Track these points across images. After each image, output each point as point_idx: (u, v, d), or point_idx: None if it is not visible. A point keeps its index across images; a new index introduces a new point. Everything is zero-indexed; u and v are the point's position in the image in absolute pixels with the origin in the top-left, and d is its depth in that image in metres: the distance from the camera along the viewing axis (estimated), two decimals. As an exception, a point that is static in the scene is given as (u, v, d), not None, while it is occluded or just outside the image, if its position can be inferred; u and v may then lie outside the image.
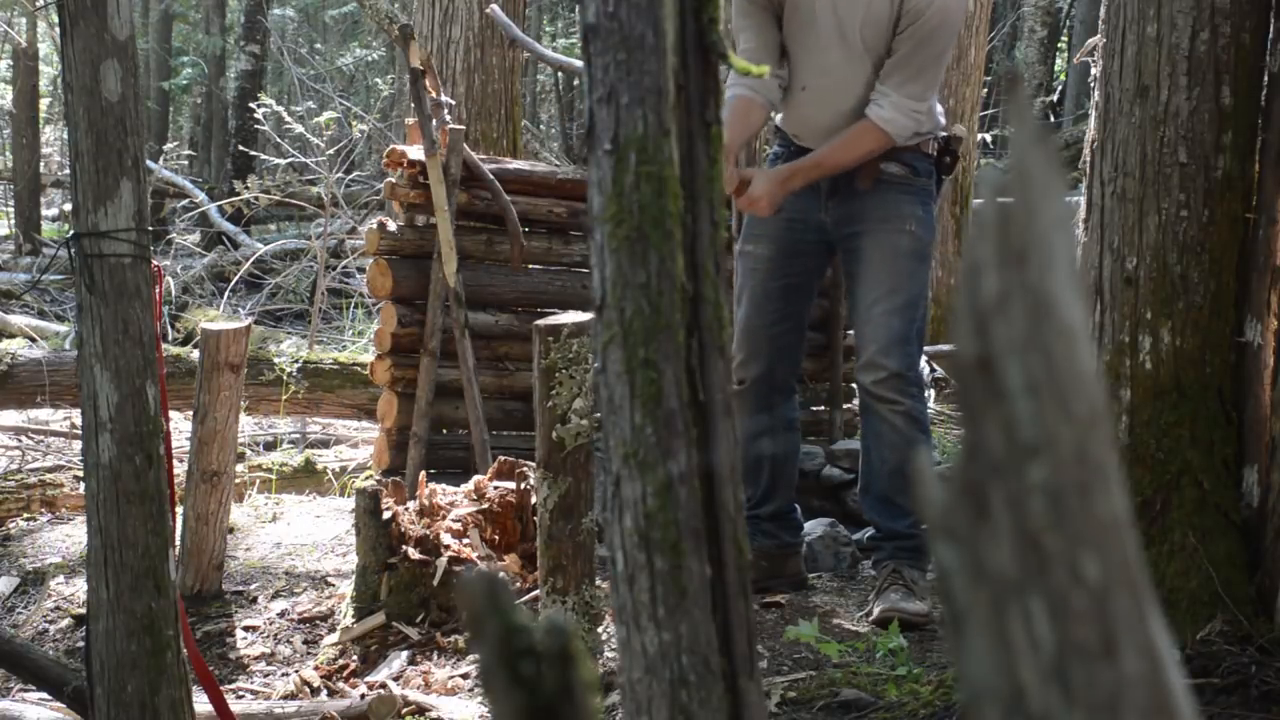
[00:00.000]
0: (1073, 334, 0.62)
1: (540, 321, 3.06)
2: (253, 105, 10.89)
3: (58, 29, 3.30)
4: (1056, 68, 17.30)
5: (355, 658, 3.84)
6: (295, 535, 4.99)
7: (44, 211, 17.71)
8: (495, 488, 4.13)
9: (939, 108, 3.92)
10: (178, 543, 3.66)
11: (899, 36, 3.70)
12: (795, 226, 3.90)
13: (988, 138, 12.73)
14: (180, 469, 4.15)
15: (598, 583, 3.14)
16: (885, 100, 3.73)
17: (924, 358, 7.77)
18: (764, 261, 3.92)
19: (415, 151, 5.01)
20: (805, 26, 3.78)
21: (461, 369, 5.02)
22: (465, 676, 3.58)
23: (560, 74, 17.41)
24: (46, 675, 3.01)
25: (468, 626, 0.71)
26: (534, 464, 3.30)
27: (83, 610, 3.68)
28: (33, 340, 8.57)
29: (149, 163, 5.03)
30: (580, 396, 2.95)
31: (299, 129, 9.61)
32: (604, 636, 3.20)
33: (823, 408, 5.57)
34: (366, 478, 5.30)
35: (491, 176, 5.14)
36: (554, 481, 3.01)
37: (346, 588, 4.14)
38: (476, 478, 4.22)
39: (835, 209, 3.87)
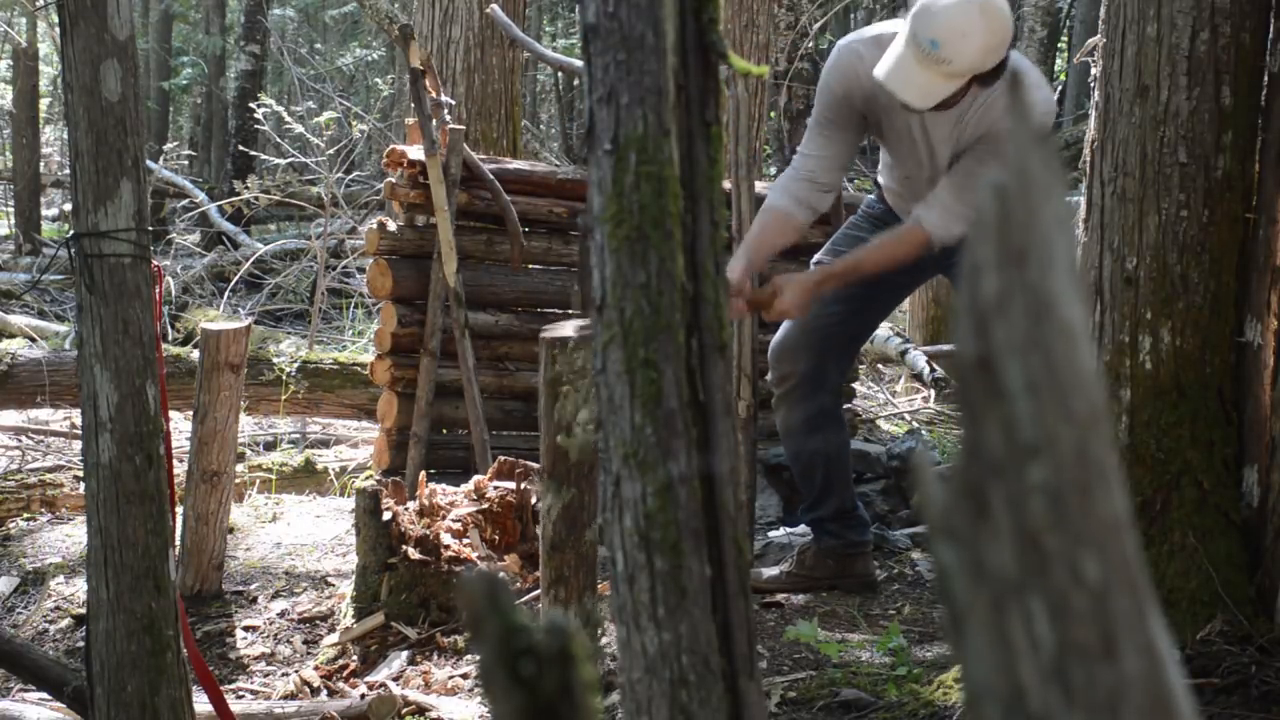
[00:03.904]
0: (1073, 334, 0.62)
1: (547, 333, 3.06)
2: (253, 105, 10.88)
3: (58, 29, 3.30)
4: (1056, 68, 17.29)
5: (355, 658, 3.84)
6: (295, 535, 4.99)
7: (44, 211, 17.69)
8: (495, 488, 4.13)
9: None
10: (178, 543, 3.66)
11: (973, 148, 3.54)
12: None
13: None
14: (180, 469, 4.15)
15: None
16: (937, 203, 3.57)
17: (924, 358, 7.80)
18: None
19: (415, 151, 5.01)
20: (899, 139, 3.70)
21: (461, 369, 5.02)
22: (465, 676, 3.58)
23: (560, 74, 17.40)
24: (46, 675, 3.01)
25: (468, 626, 0.71)
26: (537, 471, 3.29)
27: (83, 610, 3.69)
28: (33, 340, 8.57)
29: (149, 163, 5.03)
30: (586, 407, 2.95)
31: (299, 129, 9.60)
32: (607, 648, 3.20)
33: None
34: (366, 478, 5.30)
35: (491, 176, 5.14)
36: (558, 492, 3.00)
37: (346, 588, 4.14)
38: (476, 478, 4.22)
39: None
